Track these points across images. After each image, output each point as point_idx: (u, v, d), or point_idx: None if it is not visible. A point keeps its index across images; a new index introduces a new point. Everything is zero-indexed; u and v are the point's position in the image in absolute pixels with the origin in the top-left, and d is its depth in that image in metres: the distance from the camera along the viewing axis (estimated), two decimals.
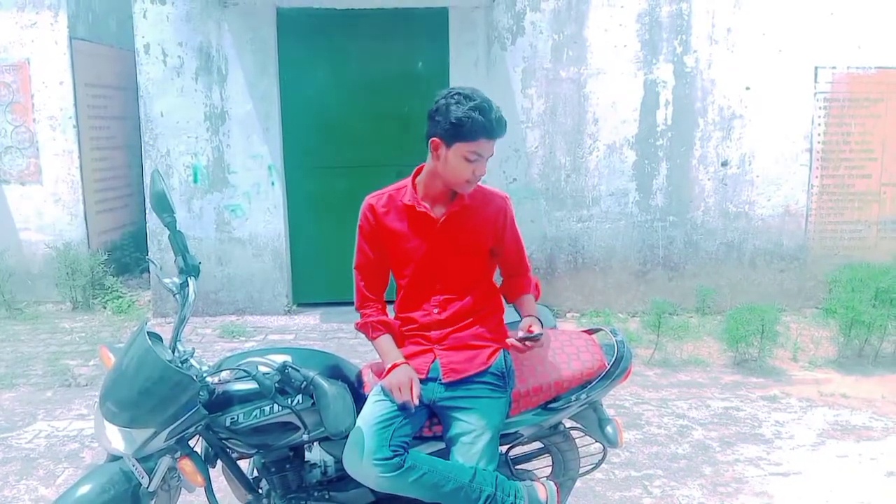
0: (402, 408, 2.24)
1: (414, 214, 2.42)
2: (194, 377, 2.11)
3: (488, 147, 2.36)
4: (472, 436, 2.28)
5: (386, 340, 2.43)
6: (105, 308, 6.56)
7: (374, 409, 2.27)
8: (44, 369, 5.14)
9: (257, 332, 5.92)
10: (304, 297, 6.51)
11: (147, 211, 6.29)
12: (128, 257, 7.42)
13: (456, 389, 2.34)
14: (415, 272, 2.43)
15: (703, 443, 4.05)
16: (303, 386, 2.14)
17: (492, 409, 2.34)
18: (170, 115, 6.13)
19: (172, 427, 2.11)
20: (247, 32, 6.08)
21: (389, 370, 2.31)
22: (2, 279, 6.39)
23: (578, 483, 2.90)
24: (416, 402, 2.25)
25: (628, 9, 6.17)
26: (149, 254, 6.20)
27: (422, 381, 2.33)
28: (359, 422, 2.23)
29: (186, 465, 2.17)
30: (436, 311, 2.43)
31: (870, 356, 5.35)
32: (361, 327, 2.48)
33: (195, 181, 6.22)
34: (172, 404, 2.09)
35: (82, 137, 6.78)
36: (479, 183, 2.49)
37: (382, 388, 2.31)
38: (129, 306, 6.55)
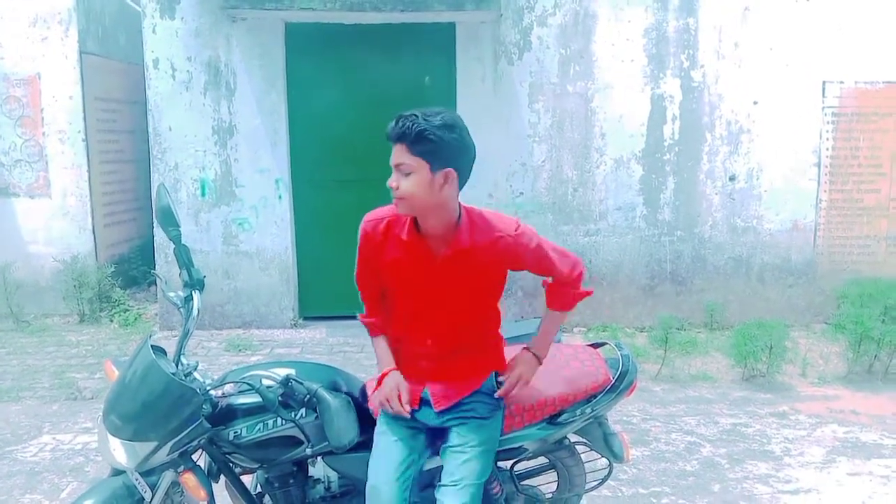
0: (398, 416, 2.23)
1: (412, 248, 2.25)
2: (197, 390, 2.10)
3: (396, 152, 2.16)
4: (462, 447, 2.26)
5: (381, 342, 2.41)
6: (112, 321, 6.57)
7: (386, 454, 2.23)
8: (50, 382, 5.14)
9: (263, 346, 5.92)
10: (311, 310, 6.51)
11: (154, 224, 6.31)
12: (135, 270, 7.43)
13: (448, 413, 2.32)
14: (410, 304, 2.33)
15: (711, 460, 4.01)
16: (306, 399, 2.13)
17: (483, 425, 2.31)
18: (178, 129, 6.16)
19: (175, 440, 2.10)
20: (255, 47, 6.11)
21: (380, 379, 2.31)
22: (9, 292, 6.41)
23: (584, 500, 2.87)
24: (408, 410, 2.23)
25: (635, 24, 6.18)
26: (156, 267, 6.21)
27: (415, 410, 2.29)
28: (375, 472, 2.20)
29: (189, 479, 2.16)
30: (429, 342, 2.33)
31: (879, 372, 5.30)
32: (364, 322, 2.45)
33: (203, 195, 6.24)
34: (175, 417, 2.08)
35: (91, 151, 6.82)
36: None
37: (384, 416, 2.30)
38: (135, 319, 6.56)
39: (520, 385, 2.38)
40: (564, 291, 2.43)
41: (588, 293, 2.47)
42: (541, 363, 2.43)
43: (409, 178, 2.12)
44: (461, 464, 2.24)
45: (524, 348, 2.44)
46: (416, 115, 2.10)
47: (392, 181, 2.16)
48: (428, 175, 2.11)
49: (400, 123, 2.11)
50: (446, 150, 2.11)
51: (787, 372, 5.31)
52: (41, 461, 3.96)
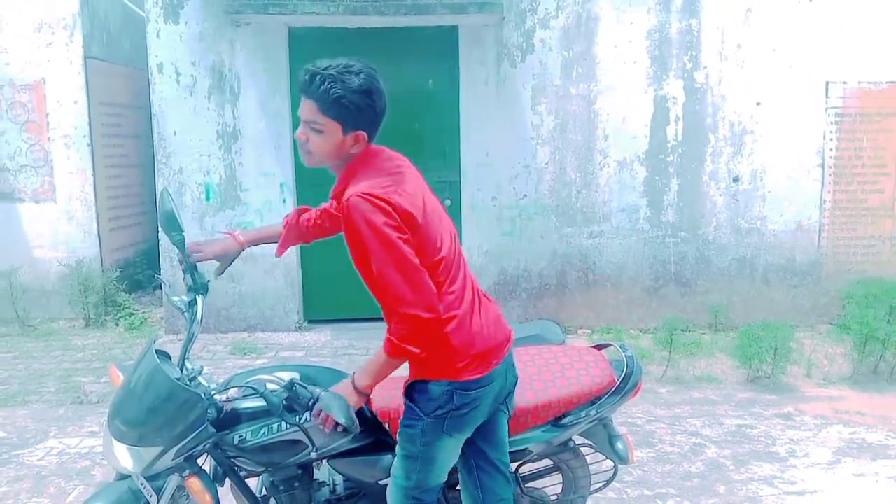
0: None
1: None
2: (202, 395, 2.11)
3: (308, 108, 2.10)
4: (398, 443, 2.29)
5: None
6: (117, 325, 6.59)
7: None
8: (56, 386, 5.16)
9: (268, 349, 5.93)
10: (316, 313, 6.52)
11: (160, 228, 6.32)
12: (140, 274, 7.46)
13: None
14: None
15: (716, 461, 4.01)
16: (310, 403, 2.14)
17: (403, 431, 2.25)
18: (183, 134, 6.18)
19: (180, 445, 2.11)
20: (259, 51, 6.13)
21: None
22: (15, 296, 6.43)
23: (589, 501, 2.87)
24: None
25: (638, 25, 6.18)
26: (161, 271, 6.23)
27: None
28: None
29: (194, 483, 2.17)
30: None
31: (885, 373, 5.29)
32: None
33: (207, 199, 6.26)
34: (180, 422, 2.09)
35: (96, 156, 6.84)
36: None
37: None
38: (141, 323, 6.58)
39: (319, 420, 2.11)
40: (389, 331, 2.09)
41: (403, 356, 2.09)
42: (362, 395, 2.17)
43: (319, 136, 2.11)
44: (395, 459, 2.29)
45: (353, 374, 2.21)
46: (333, 77, 2.05)
47: (301, 133, 2.14)
48: (339, 136, 2.11)
49: (317, 82, 2.05)
50: (360, 114, 2.10)
51: (792, 373, 5.31)
52: (48, 465, 3.98)
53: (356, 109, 2.08)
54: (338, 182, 2.20)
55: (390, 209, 2.01)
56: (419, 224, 2.07)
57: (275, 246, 2.66)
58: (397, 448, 2.28)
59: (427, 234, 2.11)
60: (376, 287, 2.09)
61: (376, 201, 2.00)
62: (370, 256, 2.02)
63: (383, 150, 2.24)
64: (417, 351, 2.07)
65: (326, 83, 2.04)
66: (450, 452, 2.28)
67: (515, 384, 2.39)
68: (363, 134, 2.14)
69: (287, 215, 2.58)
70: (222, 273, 2.56)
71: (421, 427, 2.20)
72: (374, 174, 2.12)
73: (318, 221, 2.58)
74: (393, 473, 2.30)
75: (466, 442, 2.32)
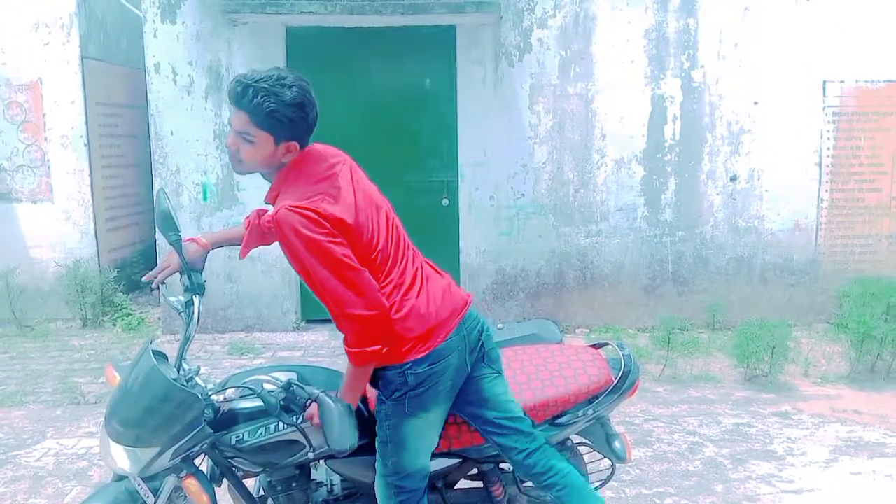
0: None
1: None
2: (199, 395, 2.10)
3: (240, 119, 2.11)
4: None
5: None
6: (115, 325, 6.58)
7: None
8: (53, 387, 5.15)
9: (266, 349, 5.92)
10: (313, 313, 6.51)
11: (157, 228, 6.32)
12: (138, 275, 7.43)
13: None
14: None
15: (714, 460, 4.01)
16: (308, 403, 2.14)
17: (376, 422, 2.34)
18: (180, 134, 6.17)
19: (177, 446, 2.10)
20: (256, 51, 6.13)
21: None
22: (12, 297, 6.42)
23: None
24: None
25: (635, 24, 6.19)
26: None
27: None
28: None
29: (192, 484, 2.16)
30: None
31: (882, 371, 5.30)
32: None
33: (205, 199, 6.25)
34: (177, 423, 2.08)
35: (93, 156, 6.83)
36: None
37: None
38: (138, 323, 6.57)
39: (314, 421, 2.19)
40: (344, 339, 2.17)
41: (368, 359, 2.15)
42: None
43: (251, 146, 2.13)
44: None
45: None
46: (266, 91, 2.05)
47: (232, 143, 2.16)
48: (271, 147, 2.14)
49: (250, 95, 2.06)
50: (293, 126, 2.12)
51: (790, 372, 5.31)
52: (45, 466, 3.97)
53: (288, 122, 2.09)
54: (270, 189, 2.22)
55: (318, 218, 2.05)
56: (351, 225, 2.11)
57: (273, 245, 2.62)
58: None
59: (360, 234, 2.15)
60: (318, 292, 2.13)
61: (304, 212, 2.04)
62: (306, 266, 2.07)
63: (312, 153, 2.24)
64: (378, 348, 2.14)
65: (259, 96, 2.05)
66: (421, 435, 2.29)
67: (492, 346, 2.42)
68: (295, 144, 2.16)
69: (248, 216, 2.57)
70: (203, 282, 2.49)
71: (384, 411, 2.28)
72: (304, 181, 2.15)
73: None
74: (377, 465, 2.33)
75: (468, 414, 2.38)
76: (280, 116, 2.07)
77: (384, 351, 2.16)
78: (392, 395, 2.26)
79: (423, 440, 2.30)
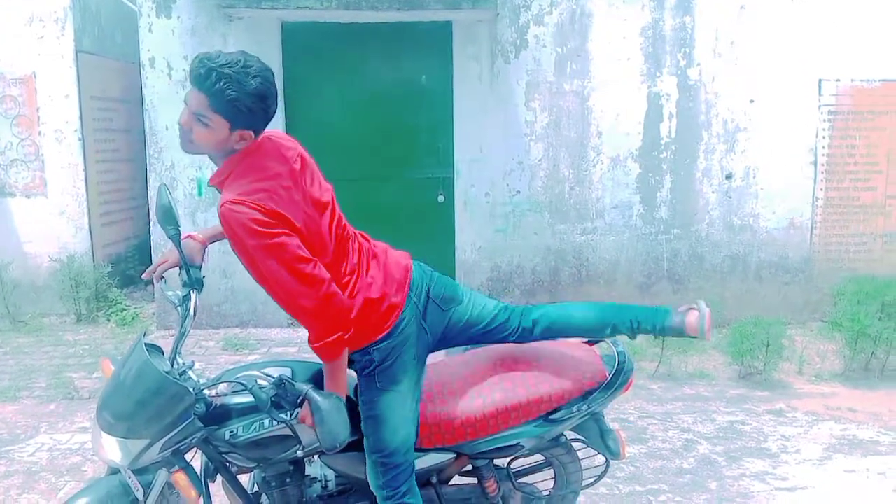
0: None
1: None
2: (190, 389, 2.10)
3: (197, 99, 2.06)
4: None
5: None
6: (109, 320, 6.57)
7: None
8: (47, 382, 5.13)
9: (261, 345, 5.91)
10: None
11: (152, 223, 6.31)
12: (132, 270, 7.43)
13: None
14: None
15: (708, 457, 4.02)
16: (298, 400, 2.13)
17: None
18: (175, 128, 6.07)
19: (167, 438, 2.10)
20: (251, 46, 6.09)
21: None
22: (6, 291, 6.40)
23: (581, 497, 2.87)
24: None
25: (631, 22, 6.18)
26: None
27: None
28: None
29: (180, 478, 2.16)
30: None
31: (876, 370, 5.32)
32: None
33: (199, 194, 6.23)
34: (167, 415, 2.08)
35: (87, 150, 6.81)
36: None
37: None
38: (133, 319, 6.55)
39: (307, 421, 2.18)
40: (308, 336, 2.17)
41: (335, 348, 2.15)
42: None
43: (204, 129, 2.08)
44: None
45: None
46: (230, 78, 2.01)
47: (185, 122, 2.10)
48: (226, 133, 2.09)
49: (213, 80, 2.01)
50: (251, 116, 2.08)
51: (784, 369, 5.32)
52: (38, 461, 3.96)
53: (248, 112, 2.06)
54: (217, 173, 2.19)
55: (265, 213, 2.03)
56: (299, 227, 2.11)
57: None
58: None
59: (307, 236, 2.14)
60: (269, 288, 2.14)
61: (246, 208, 2.02)
62: (255, 261, 2.08)
63: (265, 145, 2.21)
64: (340, 335, 2.14)
65: (222, 82, 2.01)
66: (396, 407, 2.30)
67: (439, 291, 2.45)
68: (250, 133, 2.13)
69: None
70: (201, 278, 2.47)
71: (360, 388, 2.33)
72: (254, 174, 2.11)
73: None
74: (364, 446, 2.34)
75: (464, 342, 2.51)
76: (240, 105, 2.03)
77: (347, 337, 2.16)
78: (363, 372, 2.31)
79: (399, 412, 2.30)
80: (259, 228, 2.02)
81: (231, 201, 2.02)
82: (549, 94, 6.24)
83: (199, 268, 2.37)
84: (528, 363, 2.58)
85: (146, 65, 6.13)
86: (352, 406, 2.32)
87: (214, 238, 2.53)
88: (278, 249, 2.05)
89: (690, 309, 2.50)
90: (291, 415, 2.19)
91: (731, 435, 4.31)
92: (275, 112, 2.16)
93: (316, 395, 2.07)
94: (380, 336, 2.28)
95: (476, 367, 2.58)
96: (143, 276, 2.47)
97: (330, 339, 2.13)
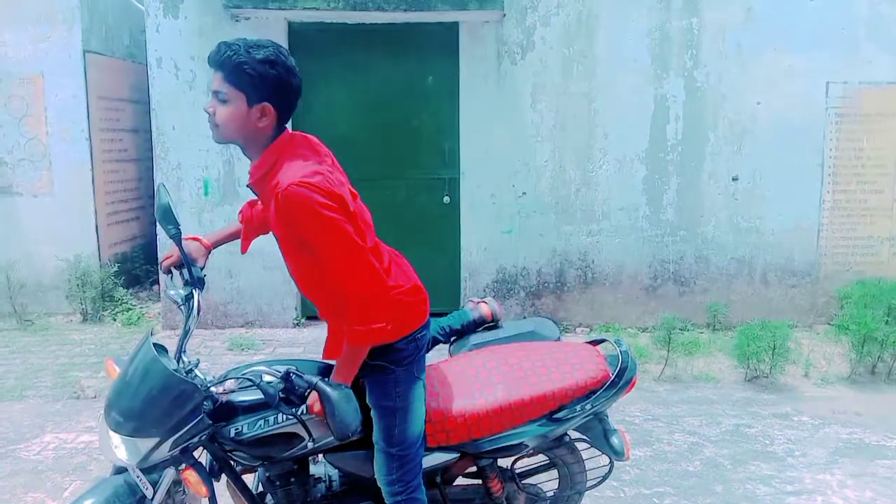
0: None
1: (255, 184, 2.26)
2: (198, 386, 2.10)
3: (215, 79, 2.13)
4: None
5: None
6: (115, 320, 6.58)
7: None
8: (53, 381, 5.15)
9: (266, 345, 5.92)
10: (313, 309, 6.47)
11: (157, 223, 6.32)
12: (138, 269, 7.45)
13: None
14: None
15: (714, 460, 4.00)
16: (307, 393, 2.13)
17: (375, 394, 2.36)
18: (181, 129, 6.16)
19: (176, 436, 2.10)
20: None
21: None
22: (13, 291, 6.42)
23: (586, 498, 2.87)
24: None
25: (638, 24, 6.17)
26: (159, 266, 6.21)
27: None
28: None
29: (191, 475, 2.16)
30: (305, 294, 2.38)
31: (883, 373, 5.29)
32: None
33: (206, 194, 6.25)
34: (176, 413, 2.08)
35: (94, 150, 6.82)
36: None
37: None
38: (138, 318, 6.56)
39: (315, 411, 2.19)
40: (346, 318, 2.15)
41: (374, 336, 2.14)
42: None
43: (225, 106, 2.11)
44: (374, 429, 2.34)
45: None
46: (238, 46, 2.07)
47: (209, 106, 2.15)
48: (244, 107, 2.10)
49: (221, 52, 2.08)
50: (264, 85, 2.08)
51: (790, 373, 5.30)
52: (44, 460, 3.97)
53: (259, 78, 2.07)
54: (256, 167, 2.18)
55: (324, 194, 2.03)
56: (353, 212, 2.13)
57: (274, 241, 2.62)
58: (373, 415, 2.32)
59: (357, 220, 2.15)
60: (322, 275, 2.14)
61: (308, 190, 2.01)
62: (316, 244, 2.07)
63: (301, 138, 2.24)
64: (383, 325, 2.15)
65: (230, 51, 2.06)
66: (422, 397, 2.37)
67: None
68: (269, 107, 2.12)
69: (241, 210, 2.57)
70: (202, 276, 2.47)
71: (393, 378, 2.31)
72: (301, 160, 2.12)
73: None
74: (376, 442, 2.33)
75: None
76: (249, 70, 2.05)
77: (388, 328, 2.18)
78: (403, 362, 2.31)
79: (422, 402, 2.38)
80: (325, 212, 2.02)
81: (295, 183, 2.00)
82: (555, 96, 6.23)
83: (202, 268, 2.37)
84: (531, 363, 2.58)
85: (153, 65, 6.14)
86: (360, 399, 2.32)
87: (220, 243, 2.54)
88: (342, 232, 2.05)
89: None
90: (300, 410, 2.19)
91: (736, 438, 4.29)
92: (291, 85, 2.14)
93: (325, 386, 2.07)
94: (421, 325, 2.37)
95: (479, 367, 2.58)
96: (161, 267, 2.52)
97: (375, 326, 2.13)
